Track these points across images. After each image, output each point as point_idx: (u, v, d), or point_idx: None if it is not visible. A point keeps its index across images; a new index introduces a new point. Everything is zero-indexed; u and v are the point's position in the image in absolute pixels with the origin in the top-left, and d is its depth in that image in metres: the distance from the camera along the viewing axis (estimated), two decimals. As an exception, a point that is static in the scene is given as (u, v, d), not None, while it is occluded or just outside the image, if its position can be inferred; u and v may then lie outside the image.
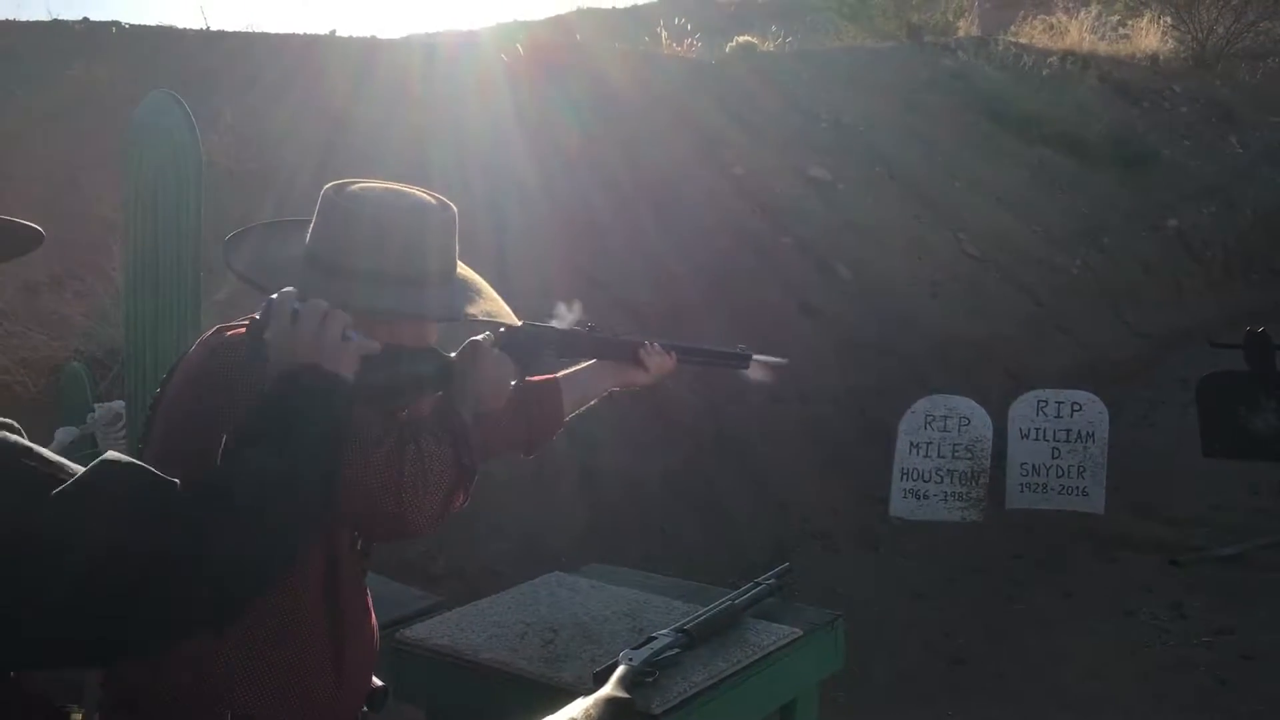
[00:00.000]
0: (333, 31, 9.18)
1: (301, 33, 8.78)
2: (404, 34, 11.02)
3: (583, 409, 2.17)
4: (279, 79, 7.23)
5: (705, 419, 6.13)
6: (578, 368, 2.12)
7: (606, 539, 5.39)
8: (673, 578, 2.84)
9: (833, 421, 6.82)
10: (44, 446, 1.18)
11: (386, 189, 1.68)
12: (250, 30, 8.64)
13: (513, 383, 1.82)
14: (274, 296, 1.39)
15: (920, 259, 8.79)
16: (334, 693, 1.63)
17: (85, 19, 8.13)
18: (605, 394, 2.19)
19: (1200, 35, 14.77)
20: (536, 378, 2.02)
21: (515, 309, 1.84)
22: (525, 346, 1.91)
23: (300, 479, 1.27)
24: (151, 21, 8.51)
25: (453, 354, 1.76)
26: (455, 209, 1.71)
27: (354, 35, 9.19)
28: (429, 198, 1.70)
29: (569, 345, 2.04)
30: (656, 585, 2.60)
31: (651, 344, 2.12)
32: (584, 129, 8.02)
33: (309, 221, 1.66)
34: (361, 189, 1.65)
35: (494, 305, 1.77)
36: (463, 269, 1.78)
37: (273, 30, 8.86)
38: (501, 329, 1.83)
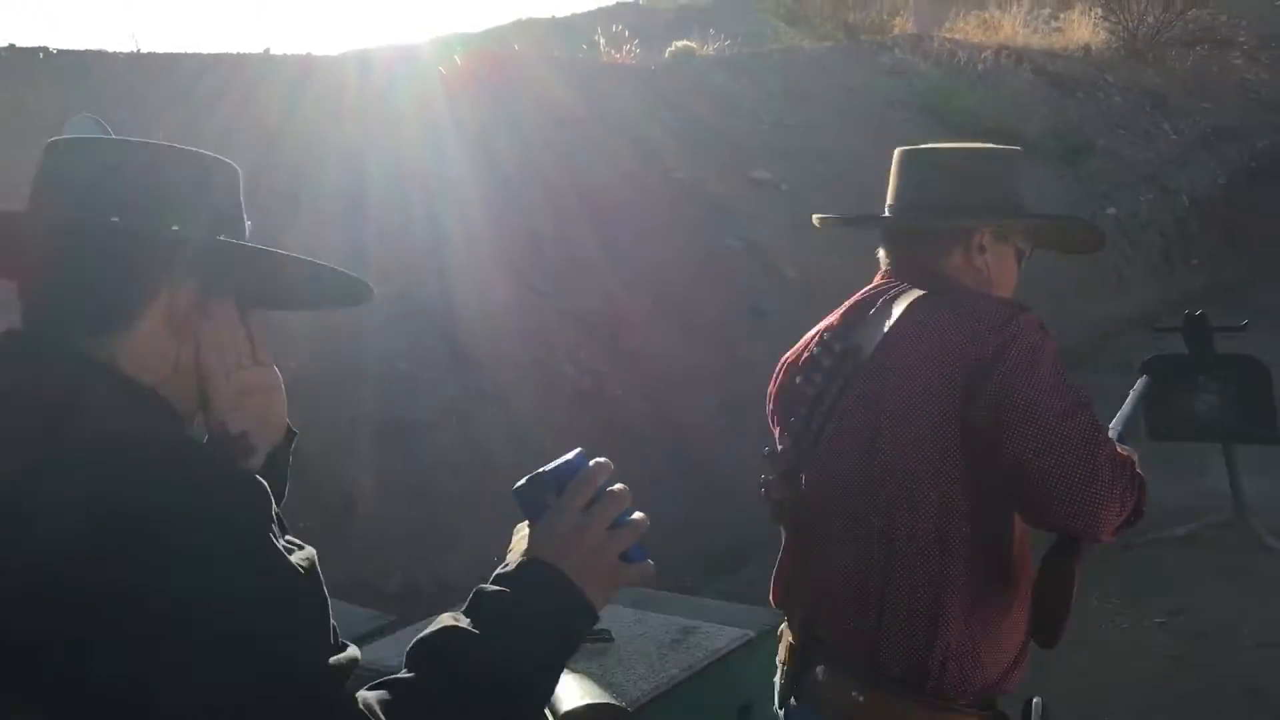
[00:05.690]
0: (267, 50, 9.07)
1: (234, 52, 8.67)
2: (340, 51, 10.93)
3: None
4: (209, 97, 7.13)
5: (660, 426, 6.11)
6: None
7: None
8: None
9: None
10: None
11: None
12: (180, 51, 8.52)
13: None
14: (592, 462, 1.10)
15: (866, 256, 8.83)
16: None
17: (11, 45, 7.96)
18: None
19: (1131, 25, 15.00)
20: None
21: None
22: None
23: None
24: (81, 46, 8.36)
25: None
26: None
27: (288, 53, 9.09)
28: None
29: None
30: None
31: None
32: (523, 139, 7.99)
33: None
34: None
35: None
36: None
37: (203, 50, 8.74)
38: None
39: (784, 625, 1.93)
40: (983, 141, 2.07)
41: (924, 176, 1.89)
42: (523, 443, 6.00)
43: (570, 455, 1.11)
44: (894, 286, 1.86)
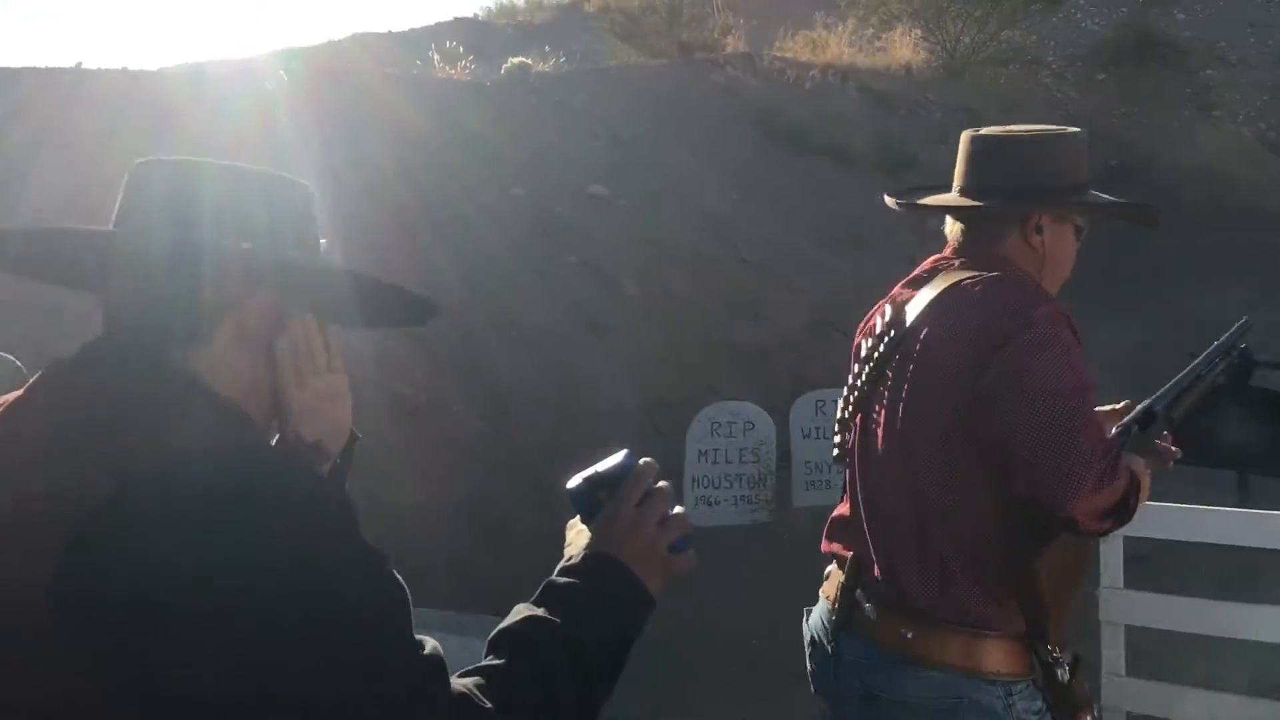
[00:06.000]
0: (79, 64, 8.69)
1: (41, 66, 8.27)
2: (162, 65, 10.55)
3: None
4: (15, 112, 6.80)
5: (495, 445, 6.09)
6: None
7: (402, 575, 5.26)
8: (465, 613, 2.81)
9: (625, 437, 6.90)
10: None
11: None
12: (-17, 66, 8.08)
13: None
14: (641, 461, 1.19)
15: (702, 270, 9.01)
16: None
17: None
18: None
19: (949, 45, 15.67)
20: None
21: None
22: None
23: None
24: None
25: None
26: None
27: (104, 68, 8.72)
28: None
29: None
30: (437, 622, 2.56)
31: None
32: (361, 154, 7.87)
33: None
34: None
35: None
36: None
37: (7, 65, 8.32)
38: None
39: (832, 565, 2.10)
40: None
41: (987, 160, 2.04)
42: (359, 460, 5.90)
43: (619, 456, 1.19)
44: (947, 263, 2.02)
